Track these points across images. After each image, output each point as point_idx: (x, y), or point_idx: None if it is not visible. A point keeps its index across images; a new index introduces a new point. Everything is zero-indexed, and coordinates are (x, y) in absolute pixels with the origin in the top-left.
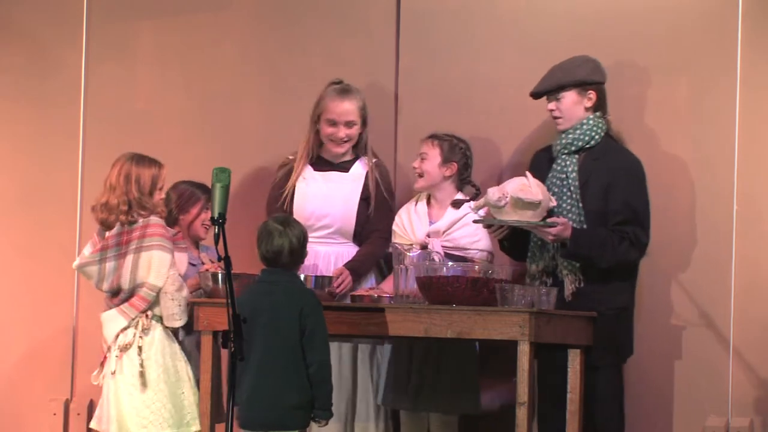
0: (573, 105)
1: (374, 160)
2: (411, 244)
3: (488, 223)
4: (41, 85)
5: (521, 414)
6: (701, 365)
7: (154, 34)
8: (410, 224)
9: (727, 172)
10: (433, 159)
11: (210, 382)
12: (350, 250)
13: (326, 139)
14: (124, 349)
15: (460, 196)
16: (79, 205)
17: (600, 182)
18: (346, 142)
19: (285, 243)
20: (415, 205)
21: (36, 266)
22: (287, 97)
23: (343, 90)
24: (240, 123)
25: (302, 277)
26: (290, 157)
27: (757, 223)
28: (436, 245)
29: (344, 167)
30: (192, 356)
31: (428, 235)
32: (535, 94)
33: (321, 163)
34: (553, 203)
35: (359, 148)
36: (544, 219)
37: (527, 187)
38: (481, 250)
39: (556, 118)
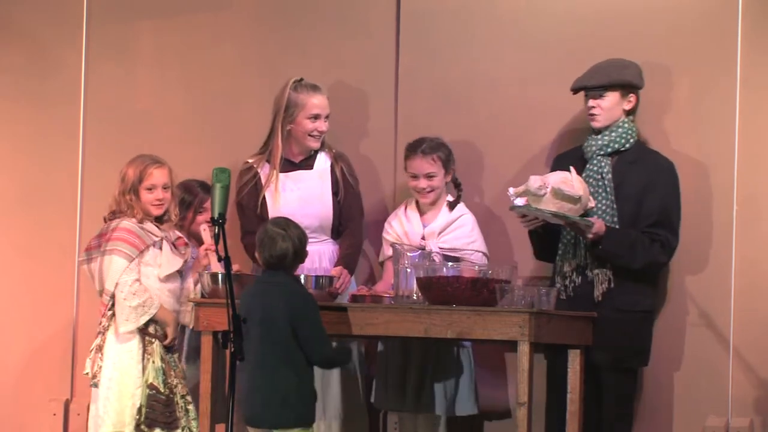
0: (614, 105)
1: (334, 151)
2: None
3: (524, 212)
4: (41, 85)
5: (521, 414)
6: (701, 365)
7: (154, 34)
8: (404, 232)
9: (727, 172)
10: (439, 175)
11: (210, 382)
12: (331, 247)
13: (306, 135)
14: (93, 350)
15: (449, 197)
16: (79, 205)
17: (636, 184)
18: (322, 136)
19: (289, 246)
20: (405, 211)
21: (36, 266)
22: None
23: (314, 86)
24: (240, 123)
25: (302, 278)
26: (250, 161)
27: (757, 223)
28: (432, 247)
29: (307, 165)
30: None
31: (423, 237)
32: (580, 89)
33: (284, 165)
34: (592, 204)
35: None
36: (581, 216)
37: (569, 180)
38: (476, 251)
39: (593, 116)
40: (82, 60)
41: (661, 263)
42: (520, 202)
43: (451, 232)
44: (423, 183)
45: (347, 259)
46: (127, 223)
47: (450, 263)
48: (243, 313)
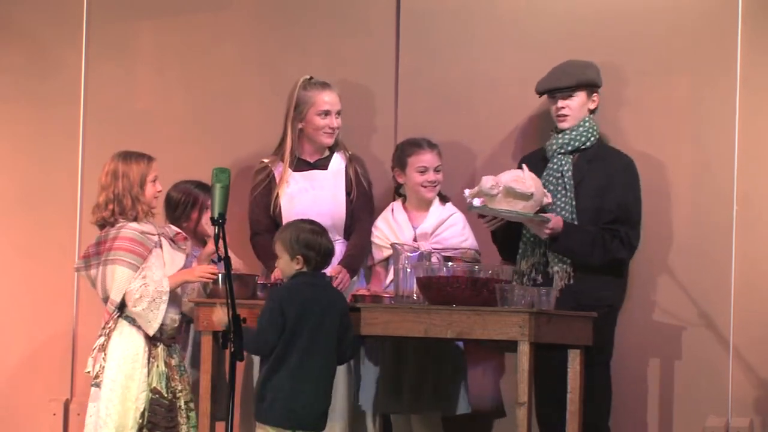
0: (581, 105)
1: (349, 153)
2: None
3: (481, 213)
4: (41, 85)
5: (521, 414)
6: (701, 365)
7: (154, 34)
8: (393, 233)
9: (727, 173)
10: (442, 169)
11: (210, 382)
12: (343, 248)
13: (318, 132)
14: (96, 349)
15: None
16: (79, 205)
17: (595, 182)
18: (335, 132)
19: (332, 245)
20: (392, 213)
21: (36, 266)
22: (287, 96)
23: (324, 83)
24: (240, 123)
25: None
26: (265, 161)
27: (757, 223)
28: (426, 248)
29: (323, 165)
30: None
31: (415, 239)
32: (549, 91)
33: (299, 164)
34: (548, 200)
35: (334, 143)
36: (536, 213)
37: (521, 178)
38: (469, 249)
39: (563, 116)
40: (82, 60)
41: (620, 259)
42: (477, 202)
43: (444, 232)
44: (433, 176)
45: (349, 260)
46: (127, 231)
47: (450, 263)
48: (293, 315)
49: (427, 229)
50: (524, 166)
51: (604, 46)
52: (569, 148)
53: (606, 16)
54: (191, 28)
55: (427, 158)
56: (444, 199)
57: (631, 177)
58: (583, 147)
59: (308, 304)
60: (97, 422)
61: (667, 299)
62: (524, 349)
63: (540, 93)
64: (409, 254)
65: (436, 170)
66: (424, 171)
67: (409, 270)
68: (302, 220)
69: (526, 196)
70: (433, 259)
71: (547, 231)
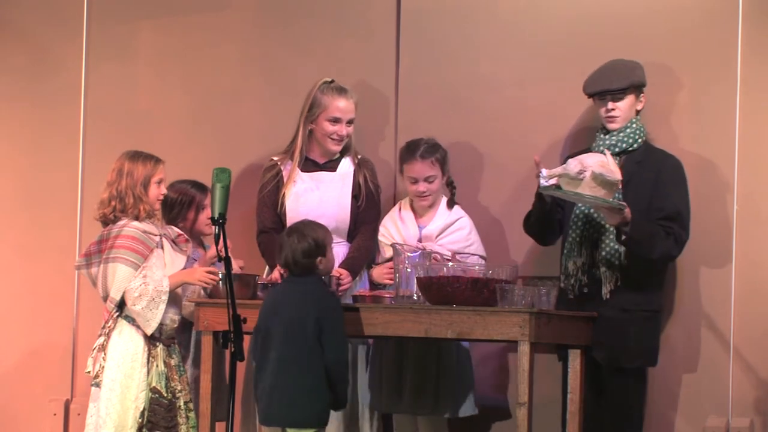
0: (630, 106)
1: (359, 157)
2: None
3: (556, 195)
4: (41, 85)
5: (521, 414)
6: (702, 365)
7: (154, 34)
8: (398, 233)
9: (727, 172)
10: (438, 177)
11: (210, 382)
12: (346, 250)
13: (326, 137)
14: (96, 349)
15: (444, 197)
16: (79, 206)
17: (643, 183)
18: (343, 140)
19: (288, 252)
20: (399, 212)
21: (36, 267)
22: (287, 96)
23: (341, 88)
24: (240, 123)
25: None
26: (275, 158)
27: (757, 223)
28: (427, 248)
29: (331, 167)
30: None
31: (420, 240)
32: (600, 93)
33: (307, 164)
34: (620, 186)
35: (344, 147)
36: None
37: (607, 164)
38: (473, 254)
39: (613, 117)
40: (82, 60)
41: (674, 257)
42: (550, 182)
43: (449, 235)
44: (422, 187)
45: (352, 261)
46: (130, 229)
47: (450, 263)
48: (264, 315)
49: (432, 231)
50: (606, 151)
51: (604, 47)
52: (616, 149)
53: (606, 17)
54: (191, 28)
55: (415, 169)
56: (451, 203)
57: (679, 177)
58: (630, 149)
59: (276, 306)
60: (97, 422)
61: (668, 299)
62: (524, 349)
63: (590, 95)
64: (409, 254)
65: (427, 180)
66: (413, 181)
67: (409, 270)
68: (304, 221)
69: (612, 183)
70: (435, 259)
71: (618, 219)
